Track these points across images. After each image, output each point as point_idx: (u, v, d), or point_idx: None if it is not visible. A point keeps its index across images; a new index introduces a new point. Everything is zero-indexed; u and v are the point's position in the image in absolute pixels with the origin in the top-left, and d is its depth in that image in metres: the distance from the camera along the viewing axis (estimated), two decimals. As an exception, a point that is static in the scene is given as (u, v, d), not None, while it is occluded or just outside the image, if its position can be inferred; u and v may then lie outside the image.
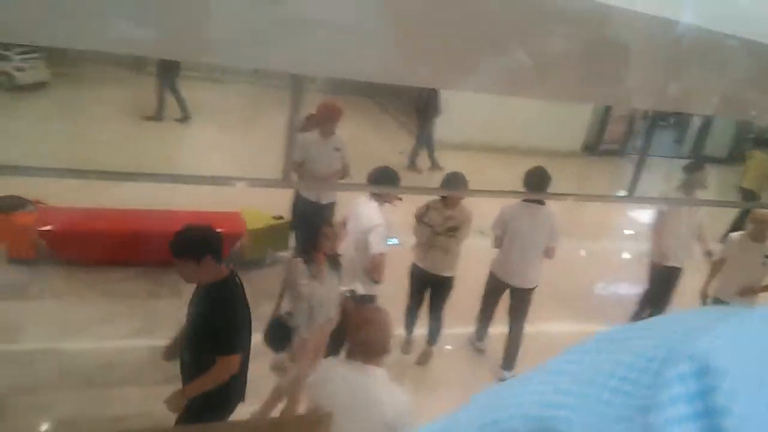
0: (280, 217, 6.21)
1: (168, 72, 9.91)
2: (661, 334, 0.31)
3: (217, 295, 3.14)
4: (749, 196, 9.00)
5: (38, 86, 7.57)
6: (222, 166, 7.50)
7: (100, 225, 5.65)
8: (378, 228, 4.33)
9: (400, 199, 4.61)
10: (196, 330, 3.15)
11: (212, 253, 3.10)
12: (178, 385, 3.29)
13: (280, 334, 3.94)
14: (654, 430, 0.25)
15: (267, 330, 3.99)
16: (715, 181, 5.83)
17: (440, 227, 4.84)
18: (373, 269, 4.37)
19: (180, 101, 10.08)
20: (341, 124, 5.54)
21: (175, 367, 4.21)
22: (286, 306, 3.99)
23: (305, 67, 1.94)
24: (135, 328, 5.01)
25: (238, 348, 3.14)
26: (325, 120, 5.36)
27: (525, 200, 4.90)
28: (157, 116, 10.03)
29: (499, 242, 5.06)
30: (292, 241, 6.15)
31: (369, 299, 4.51)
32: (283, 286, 4.06)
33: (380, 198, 4.46)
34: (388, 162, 4.80)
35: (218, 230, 3.37)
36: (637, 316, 5.98)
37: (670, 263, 5.64)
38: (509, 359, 5.26)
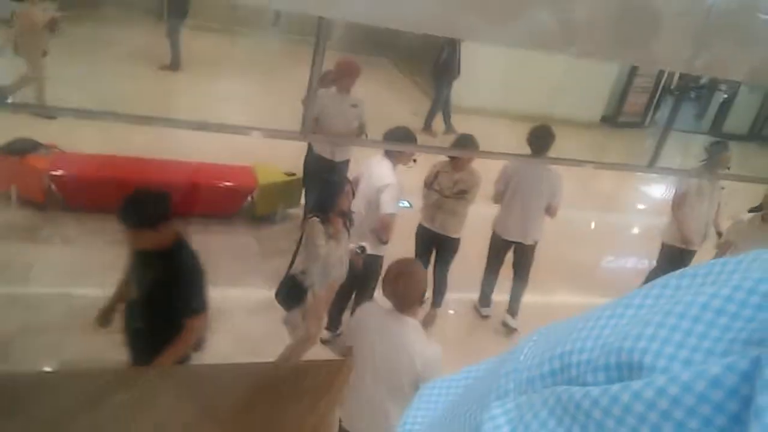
0: (293, 174, 6.17)
1: (175, 17, 9.72)
2: (759, 268, 0.28)
3: (176, 258, 3.00)
4: None
5: (50, 25, 7.53)
6: (237, 119, 7.44)
7: (112, 173, 5.62)
8: (390, 188, 4.28)
9: (415, 160, 4.56)
10: (155, 297, 2.98)
11: (168, 217, 2.96)
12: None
13: (293, 293, 3.92)
14: None
15: (280, 288, 3.97)
16: (736, 159, 5.64)
17: (449, 190, 4.81)
18: (381, 229, 4.35)
19: (174, 48, 9.85)
20: (357, 82, 5.46)
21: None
22: (299, 264, 3.94)
23: (336, 11, 1.87)
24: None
25: (206, 306, 3.06)
26: (343, 77, 5.29)
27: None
28: (173, 65, 9.89)
29: (499, 197, 5.09)
30: (303, 198, 6.12)
31: (375, 259, 4.50)
32: (298, 245, 4.00)
33: (394, 158, 4.40)
34: (403, 123, 4.72)
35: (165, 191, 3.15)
36: None
37: (686, 246, 5.51)
38: (514, 306, 5.45)
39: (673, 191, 5.69)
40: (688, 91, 12.85)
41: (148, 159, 5.81)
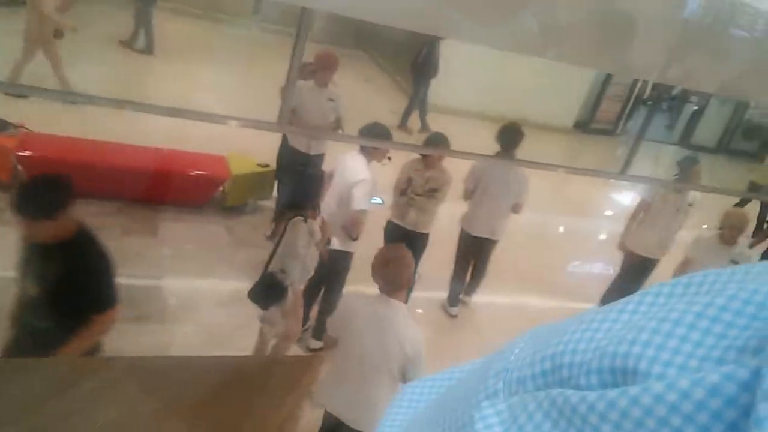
0: (266, 165, 6.12)
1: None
2: (753, 280, 0.29)
3: (79, 249, 2.76)
4: (759, 191, 9.05)
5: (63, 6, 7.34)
6: (213, 107, 7.35)
7: (81, 156, 5.50)
8: (362, 184, 4.27)
9: (389, 158, 4.56)
10: (57, 293, 2.73)
11: (68, 205, 2.70)
12: (146, 325, 3.22)
13: (272, 291, 3.87)
14: None
15: (256, 286, 3.91)
16: (704, 170, 5.74)
17: (420, 188, 4.83)
18: (351, 225, 4.34)
19: (147, 31, 9.65)
20: (336, 76, 5.44)
21: (144, 307, 4.16)
22: (277, 263, 3.87)
23: (318, 2, 1.85)
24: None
25: (115, 300, 2.86)
26: (322, 69, 5.25)
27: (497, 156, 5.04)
28: (147, 49, 9.69)
29: (469, 195, 5.20)
30: (275, 190, 6.08)
31: (344, 255, 4.48)
32: (277, 243, 3.92)
33: (369, 155, 4.39)
34: (380, 119, 4.72)
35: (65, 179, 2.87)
36: (605, 300, 5.97)
37: (645, 253, 5.60)
38: (472, 288, 5.73)
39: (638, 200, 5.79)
40: (660, 101, 13.10)
41: (118, 144, 5.70)
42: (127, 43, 9.58)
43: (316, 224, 3.93)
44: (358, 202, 4.26)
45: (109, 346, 4.16)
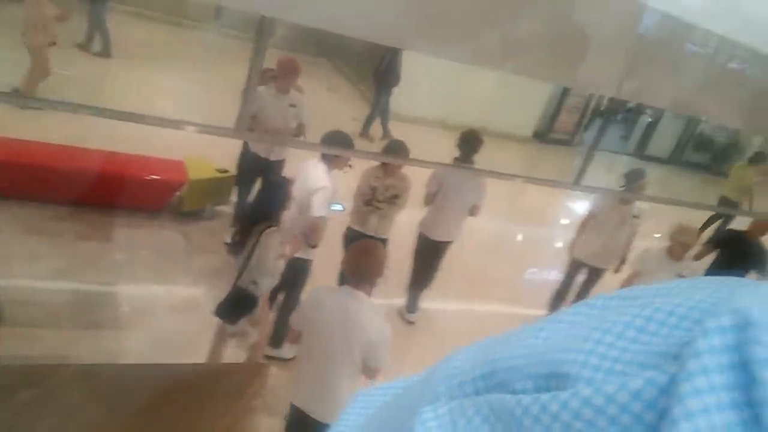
0: (225, 170, 6.04)
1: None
2: (678, 294, 0.31)
3: None
4: (728, 206, 9.26)
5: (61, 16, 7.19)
6: (172, 112, 7.23)
7: (33, 159, 5.35)
8: (322, 191, 4.26)
9: (350, 165, 4.57)
10: None
11: None
12: (98, 332, 3.14)
13: (242, 304, 3.79)
14: (691, 379, 0.25)
15: (225, 302, 3.82)
16: (657, 181, 5.90)
17: (382, 195, 4.86)
18: (310, 232, 4.32)
19: (103, 33, 9.44)
20: (298, 82, 5.45)
21: (96, 313, 4.04)
22: (247, 276, 3.77)
23: (279, 11, 1.83)
24: (58, 269, 4.79)
25: None
26: (283, 75, 5.24)
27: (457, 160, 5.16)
28: (104, 52, 9.48)
29: (431, 199, 5.25)
30: (235, 196, 6.00)
31: (303, 262, 4.46)
32: (248, 256, 3.79)
33: (331, 162, 4.38)
34: (341, 127, 4.72)
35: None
36: (552, 307, 6.04)
37: (590, 262, 5.71)
38: (423, 287, 5.73)
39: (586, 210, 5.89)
40: (616, 113, 13.44)
41: (74, 147, 5.56)
42: (83, 46, 9.36)
43: (282, 233, 3.89)
44: (317, 209, 4.25)
45: (61, 353, 4.07)
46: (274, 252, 3.76)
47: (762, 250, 6.05)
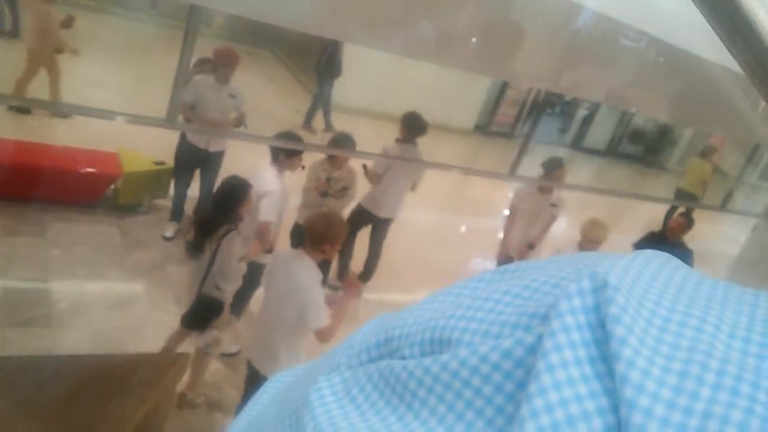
0: (162, 162, 5.89)
1: None
2: (558, 266, 0.34)
3: None
4: (686, 198, 9.54)
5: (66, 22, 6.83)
6: (102, 103, 6.98)
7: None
8: (270, 195, 4.22)
9: (303, 167, 4.55)
10: None
11: None
12: (31, 329, 3.05)
13: (210, 313, 3.71)
14: (553, 336, 0.27)
15: (192, 312, 3.76)
16: (593, 173, 6.07)
17: (331, 188, 4.85)
18: (259, 236, 4.27)
19: (13, 9, 8.88)
20: (238, 73, 5.34)
21: (28, 310, 3.91)
22: (211, 281, 3.69)
23: (211, 1, 1.80)
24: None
25: None
26: (221, 65, 5.14)
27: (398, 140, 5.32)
28: (11, 32, 8.94)
29: (378, 178, 5.37)
30: (172, 189, 5.87)
31: (255, 266, 4.39)
32: (211, 262, 3.68)
33: (281, 164, 4.33)
34: (282, 118, 4.69)
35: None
36: None
37: (512, 252, 5.79)
38: (367, 273, 5.86)
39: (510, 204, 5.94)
40: (554, 106, 13.76)
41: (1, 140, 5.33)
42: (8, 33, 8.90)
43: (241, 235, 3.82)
44: (264, 214, 4.20)
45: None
46: (236, 255, 3.71)
47: (684, 249, 5.95)
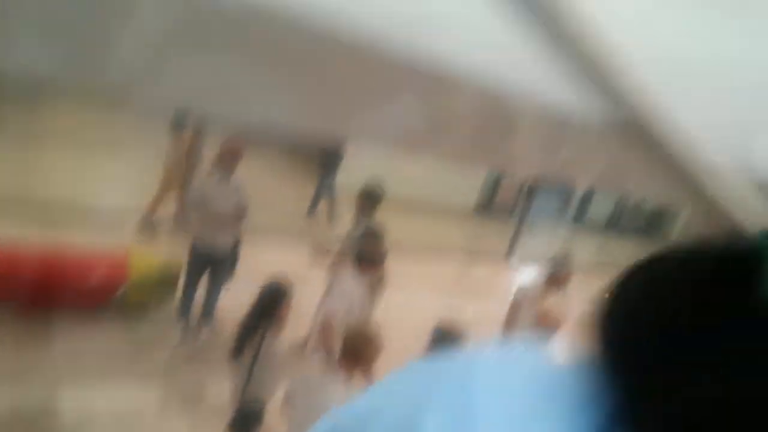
0: (172, 262, 5.87)
1: None
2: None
3: None
4: None
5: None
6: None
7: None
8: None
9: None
10: None
11: None
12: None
13: (249, 424, 3.66)
14: None
15: (234, 425, 3.68)
16: (594, 247, 6.03)
17: None
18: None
19: None
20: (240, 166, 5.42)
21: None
22: (250, 393, 3.60)
23: (211, 108, 1.89)
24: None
25: None
26: (225, 160, 5.25)
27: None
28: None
29: None
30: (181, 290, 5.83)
31: None
32: (250, 372, 3.58)
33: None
34: (288, 208, 4.74)
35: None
36: None
37: None
38: None
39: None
40: (552, 185, 13.93)
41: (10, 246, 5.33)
42: None
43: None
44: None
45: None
46: (275, 364, 3.63)
47: None
